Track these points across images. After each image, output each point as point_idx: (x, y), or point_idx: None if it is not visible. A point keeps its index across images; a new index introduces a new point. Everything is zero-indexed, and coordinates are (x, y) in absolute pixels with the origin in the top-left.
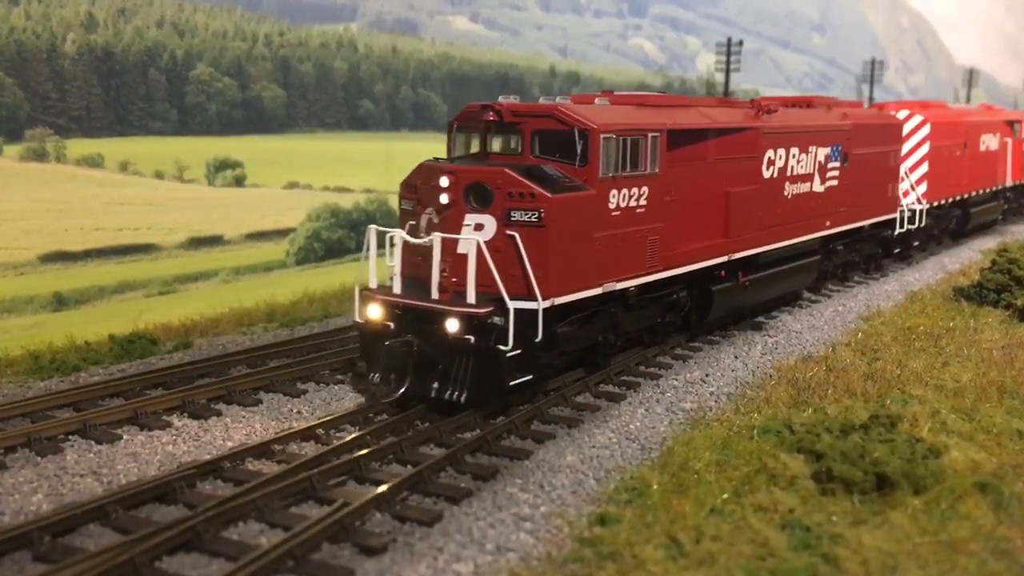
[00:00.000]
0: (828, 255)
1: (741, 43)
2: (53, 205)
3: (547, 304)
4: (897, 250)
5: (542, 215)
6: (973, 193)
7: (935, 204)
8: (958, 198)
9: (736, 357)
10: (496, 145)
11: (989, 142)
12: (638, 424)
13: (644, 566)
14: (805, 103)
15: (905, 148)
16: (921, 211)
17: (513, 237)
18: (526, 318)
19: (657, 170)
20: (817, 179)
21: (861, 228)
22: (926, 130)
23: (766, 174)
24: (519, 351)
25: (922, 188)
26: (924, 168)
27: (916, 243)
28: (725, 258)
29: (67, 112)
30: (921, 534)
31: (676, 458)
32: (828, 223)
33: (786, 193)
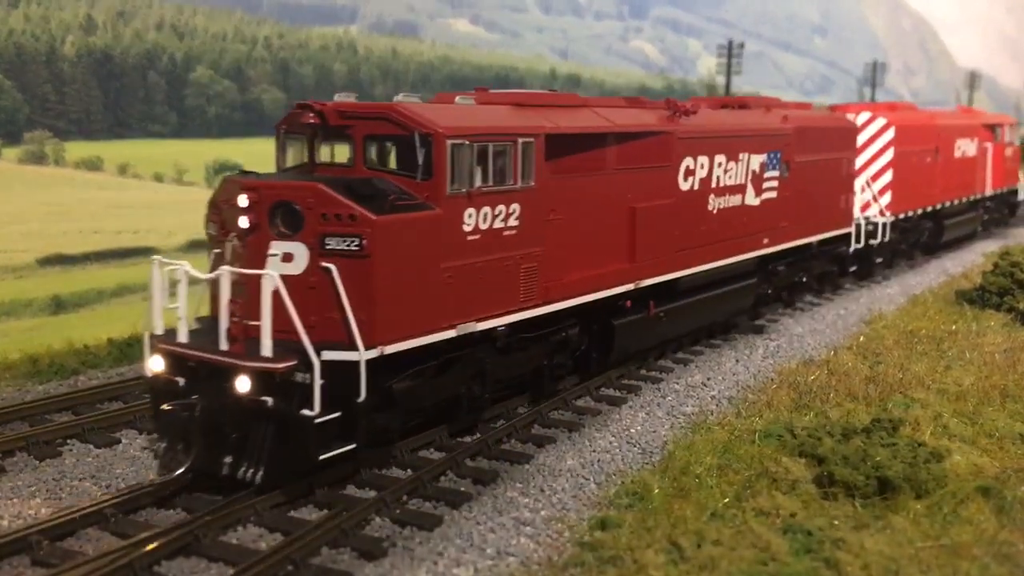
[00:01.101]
0: (768, 277)
1: (742, 45)
2: (52, 208)
3: (374, 353)
4: (854, 268)
5: (364, 242)
6: (947, 203)
7: (901, 216)
8: (929, 209)
9: (737, 361)
10: (325, 154)
11: (966, 147)
12: (639, 428)
13: (645, 570)
14: (738, 104)
15: (866, 155)
16: (884, 224)
17: (329, 270)
18: (345, 372)
19: (533, 183)
20: (751, 191)
21: (808, 245)
22: (890, 134)
23: (684, 186)
24: (337, 414)
25: (886, 199)
26: (888, 176)
27: (879, 259)
28: (631, 286)
29: (66, 115)
30: (923, 538)
31: (677, 462)
32: (766, 241)
33: (711, 207)
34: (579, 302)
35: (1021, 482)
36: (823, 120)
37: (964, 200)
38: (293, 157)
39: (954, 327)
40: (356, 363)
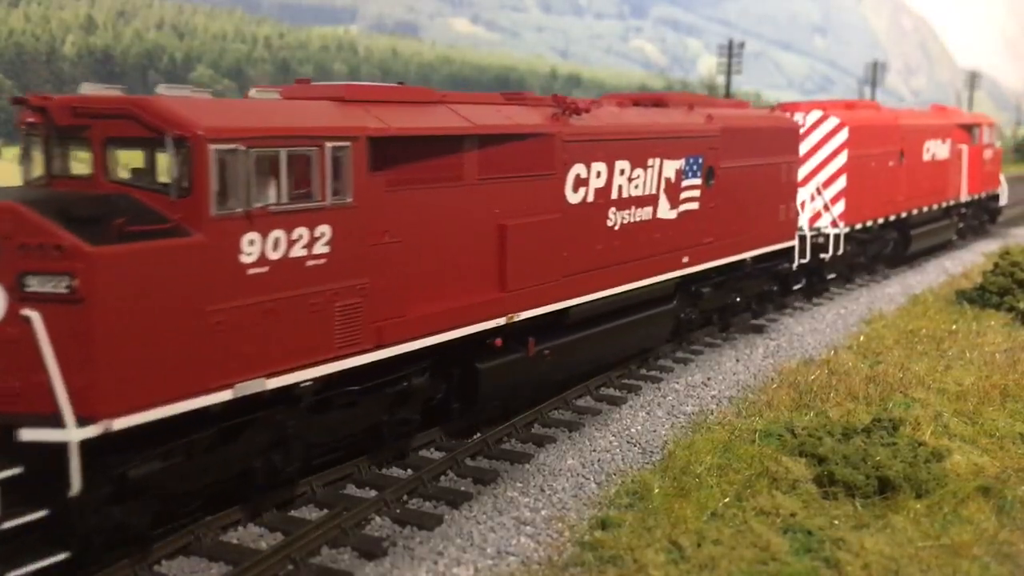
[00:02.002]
0: (691, 300)
1: (743, 45)
2: None
3: (93, 430)
4: (799, 286)
5: (76, 282)
6: (915, 211)
7: (858, 227)
8: (893, 218)
9: (737, 360)
10: (62, 163)
11: (937, 150)
12: (639, 427)
13: (645, 570)
14: (653, 101)
15: (817, 159)
16: (837, 236)
17: (30, 319)
18: (59, 456)
19: (350, 199)
20: (664, 202)
21: (741, 262)
22: (843, 136)
23: (573, 198)
24: (41, 514)
25: (839, 207)
26: (841, 183)
27: (832, 275)
28: (501, 320)
29: None
30: (923, 538)
31: (677, 462)
32: (686, 259)
33: (611, 223)
34: (426, 344)
35: (1021, 482)
36: (758, 120)
37: (935, 207)
38: (40, 165)
39: (954, 327)
40: (66, 445)
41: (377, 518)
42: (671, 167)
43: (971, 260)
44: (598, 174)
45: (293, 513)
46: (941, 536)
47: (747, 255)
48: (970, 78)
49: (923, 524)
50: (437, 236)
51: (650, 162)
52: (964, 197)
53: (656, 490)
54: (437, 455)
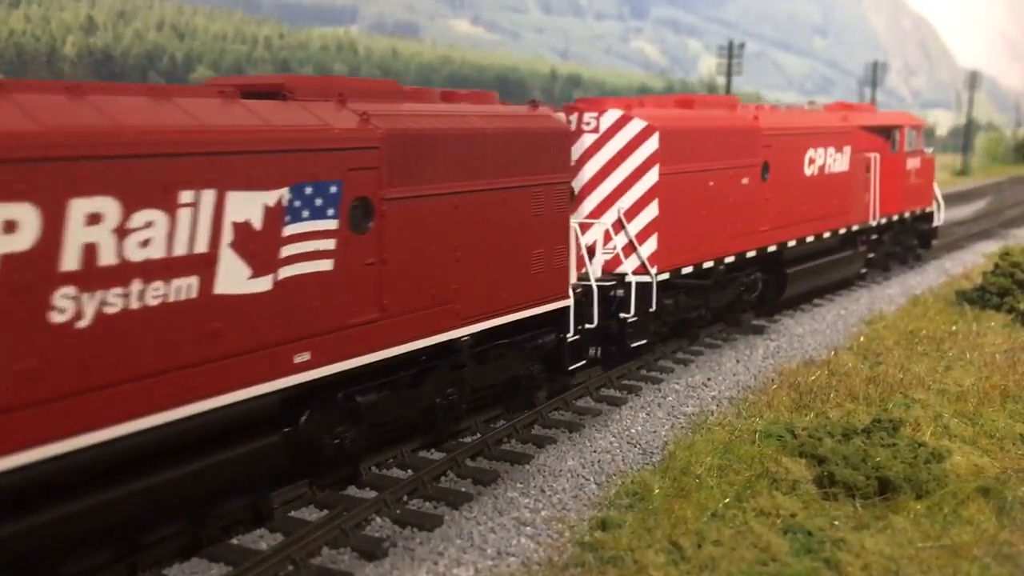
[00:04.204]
0: (343, 416)
1: (743, 46)
2: None
3: None
4: (582, 363)
5: None
6: (791, 243)
7: (687, 270)
8: (752, 254)
9: (738, 361)
10: None
11: (827, 160)
12: (639, 428)
13: (645, 571)
14: (268, 88)
15: (616, 178)
16: (645, 286)
17: None
18: None
19: None
20: (235, 266)
21: (449, 345)
22: (652, 144)
23: None
24: None
25: (650, 246)
26: (652, 211)
27: (640, 342)
28: None
29: None
30: (924, 539)
31: (677, 462)
32: (304, 357)
33: (64, 317)
34: None
35: (1021, 482)
36: (482, 121)
37: (827, 235)
38: None
39: (954, 327)
40: None
41: (377, 519)
42: (249, 203)
43: (971, 261)
44: (8, 227)
45: (293, 514)
46: (941, 537)
47: (459, 333)
48: (970, 78)
49: (923, 525)
50: None
51: (184, 197)
52: (876, 219)
53: (656, 491)
54: (437, 455)
